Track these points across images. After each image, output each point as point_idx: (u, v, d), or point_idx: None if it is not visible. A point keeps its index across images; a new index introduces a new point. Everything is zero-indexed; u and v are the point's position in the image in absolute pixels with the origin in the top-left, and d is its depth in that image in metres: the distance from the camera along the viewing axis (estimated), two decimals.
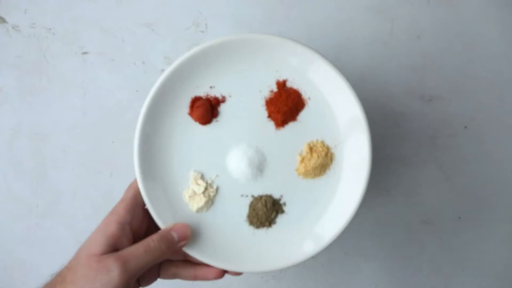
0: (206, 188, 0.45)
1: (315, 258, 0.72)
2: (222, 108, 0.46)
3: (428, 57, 0.74)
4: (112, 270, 0.39)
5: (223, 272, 0.46)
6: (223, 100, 0.46)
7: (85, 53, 0.74)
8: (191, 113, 0.46)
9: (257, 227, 0.47)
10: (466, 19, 0.74)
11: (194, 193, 0.46)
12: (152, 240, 0.41)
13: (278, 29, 0.74)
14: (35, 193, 0.73)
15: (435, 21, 0.74)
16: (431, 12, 0.74)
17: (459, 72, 0.74)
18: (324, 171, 0.47)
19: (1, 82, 0.74)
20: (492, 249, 0.72)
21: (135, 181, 0.45)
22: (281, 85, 0.46)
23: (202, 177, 0.46)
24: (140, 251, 0.40)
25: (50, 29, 0.75)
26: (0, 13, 0.75)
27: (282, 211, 0.47)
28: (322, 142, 0.47)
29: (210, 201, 0.46)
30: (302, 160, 0.46)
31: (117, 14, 0.75)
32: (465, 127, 0.73)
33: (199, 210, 0.46)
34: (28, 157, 0.73)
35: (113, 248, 0.41)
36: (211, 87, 0.45)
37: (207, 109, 0.45)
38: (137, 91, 0.73)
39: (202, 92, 0.45)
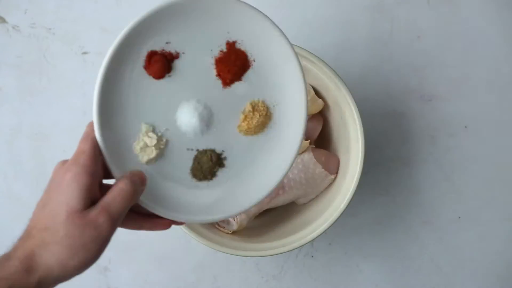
0: (157, 141, 0.47)
1: (314, 258, 0.72)
2: (175, 63, 0.48)
3: (428, 57, 0.74)
4: (100, 224, 0.38)
5: (170, 223, 0.46)
6: (177, 56, 0.48)
7: (85, 53, 0.74)
8: (147, 67, 0.46)
9: (199, 179, 0.49)
10: (466, 19, 0.74)
11: (146, 145, 0.47)
12: (124, 185, 0.41)
13: None
14: (35, 193, 0.72)
15: (435, 21, 0.74)
16: (431, 12, 0.74)
17: (459, 72, 0.74)
18: (263, 129, 0.50)
19: (1, 82, 0.74)
20: (492, 249, 0.72)
21: (89, 133, 0.44)
22: (231, 46, 0.49)
23: (153, 130, 0.47)
24: (118, 199, 0.40)
25: (50, 29, 0.75)
26: (0, 13, 0.75)
27: (223, 165, 0.50)
28: (263, 102, 0.50)
29: (160, 154, 0.48)
30: (245, 118, 0.49)
31: (117, 14, 0.75)
32: (465, 127, 0.73)
33: (149, 162, 0.47)
34: (28, 157, 0.73)
35: (90, 200, 0.39)
36: (167, 43, 0.47)
37: (164, 65, 0.47)
38: None
39: (158, 47, 0.47)
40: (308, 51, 0.62)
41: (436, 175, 0.73)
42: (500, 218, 0.72)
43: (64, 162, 0.42)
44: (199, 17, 0.47)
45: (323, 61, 0.62)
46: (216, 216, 0.49)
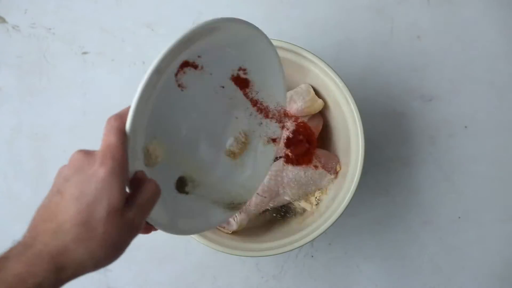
0: (167, 148, 0.47)
1: (314, 258, 0.72)
2: (196, 75, 0.48)
3: (428, 57, 0.74)
4: (136, 225, 0.39)
5: (151, 229, 0.46)
6: (201, 68, 0.49)
7: (85, 53, 0.74)
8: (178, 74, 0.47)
9: (180, 192, 0.50)
10: (466, 19, 0.74)
11: (155, 149, 0.46)
12: (155, 188, 0.41)
13: (278, 29, 0.74)
14: (35, 193, 0.73)
15: (435, 21, 0.74)
16: (431, 12, 0.74)
17: (459, 72, 0.74)
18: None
19: (1, 82, 0.74)
20: (492, 249, 0.72)
21: (118, 126, 0.41)
22: (241, 72, 0.51)
23: (165, 138, 0.47)
24: (151, 201, 0.40)
25: (50, 29, 0.75)
26: (0, 13, 0.75)
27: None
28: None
29: (162, 161, 0.48)
30: (241, 145, 0.54)
31: (117, 14, 0.75)
32: (465, 127, 0.73)
33: (150, 165, 0.47)
34: (28, 157, 0.73)
35: (125, 197, 0.39)
36: (198, 57, 0.47)
37: None
38: None
39: (191, 59, 0.47)
40: (309, 51, 0.62)
41: (436, 175, 0.73)
42: (500, 218, 0.72)
43: (86, 152, 0.40)
44: (230, 39, 0.47)
45: (324, 61, 0.62)
46: (189, 231, 0.51)
